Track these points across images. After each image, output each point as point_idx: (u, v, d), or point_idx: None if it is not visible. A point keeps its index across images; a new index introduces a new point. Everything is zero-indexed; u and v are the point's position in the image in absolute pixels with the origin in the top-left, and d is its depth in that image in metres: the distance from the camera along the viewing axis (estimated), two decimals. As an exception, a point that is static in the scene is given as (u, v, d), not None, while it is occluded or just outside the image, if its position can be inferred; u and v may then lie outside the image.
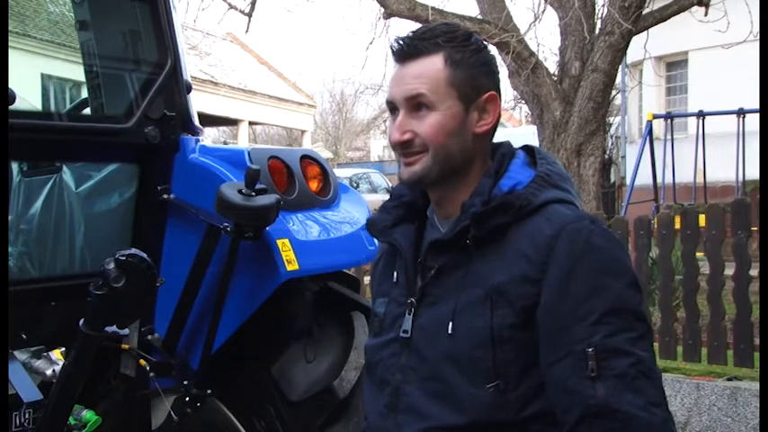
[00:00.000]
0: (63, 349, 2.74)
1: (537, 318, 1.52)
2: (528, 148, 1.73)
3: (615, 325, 1.47)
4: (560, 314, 1.50)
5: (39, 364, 2.73)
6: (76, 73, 3.52)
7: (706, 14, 9.26)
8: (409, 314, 1.66)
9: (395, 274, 1.74)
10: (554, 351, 1.50)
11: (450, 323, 1.57)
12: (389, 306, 1.73)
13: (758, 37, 7.31)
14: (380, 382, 1.70)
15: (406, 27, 10.83)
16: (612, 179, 18.10)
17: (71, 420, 2.58)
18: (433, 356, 1.59)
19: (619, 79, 14.44)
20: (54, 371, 2.67)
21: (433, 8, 9.56)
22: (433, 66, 1.62)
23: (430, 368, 1.60)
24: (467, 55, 1.63)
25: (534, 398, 1.53)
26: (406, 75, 1.63)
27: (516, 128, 27.35)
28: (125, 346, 2.92)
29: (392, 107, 1.66)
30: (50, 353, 2.75)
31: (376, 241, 3.13)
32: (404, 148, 1.63)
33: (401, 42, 1.65)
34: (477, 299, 1.56)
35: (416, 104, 1.62)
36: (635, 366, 1.46)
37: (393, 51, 1.66)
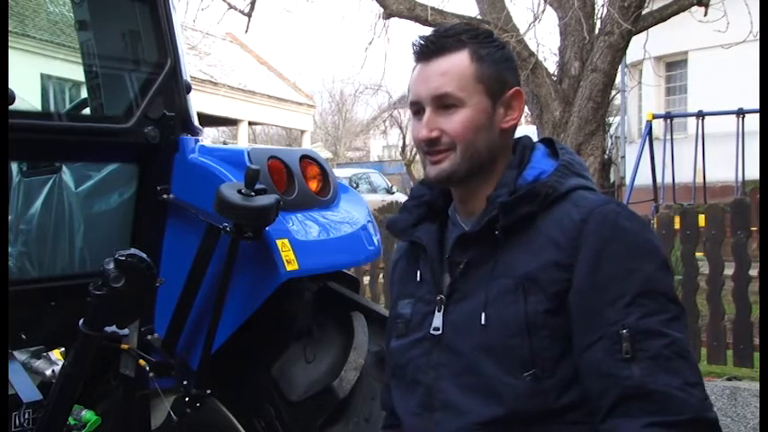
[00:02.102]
0: (63, 349, 2.74)
1: (569, 302, 1.53)
2: (547, 140, 1.75)
3: (648, 306, 1.48)
4: (592, 297, 1.51)
5: (38, 364, 2.73)
6: (76, 73, 3.52)
7: (705, 14, 9.26)
8: (439, 311, 1.65)
9: (418, 273, 1.74)
10: (587, 335, 1.50)
11: (483, 314, 1.57)
12: (416, 306, 1.72)
13: (758, 37, 7.31)
14: (411, 382, 1.69)
15: (405, 27, 10.85)
16: (612, 179, 18.10)
17: (71, 420, 2.58)
18: (468, 350, 1.59)
19: (618, 79, 14.43)
20: (54, 371, 2.67)
21: (432, 8, 9.56)
22: (459, 62, 1.62)
23: (464, 362, 1.59)
24: (492, 51, 1.64)
25: (571, 386, 1.53)
26: (432, 73, 1.62)
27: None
28: (125, 346, 2.92)
29: (418, 108, 1.65)
30: (50, 353, 2.75)
31: (376, 241, 3.14)
32: (430, 146, 1.63)
33: (424, 40, 1.64)
34: (508, 288, 1.56)
35: (444, 103, 1.62)
36: (670, 347, 1.46)
37: (415, 50, 1.65)
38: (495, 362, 1.55)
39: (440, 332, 1.64)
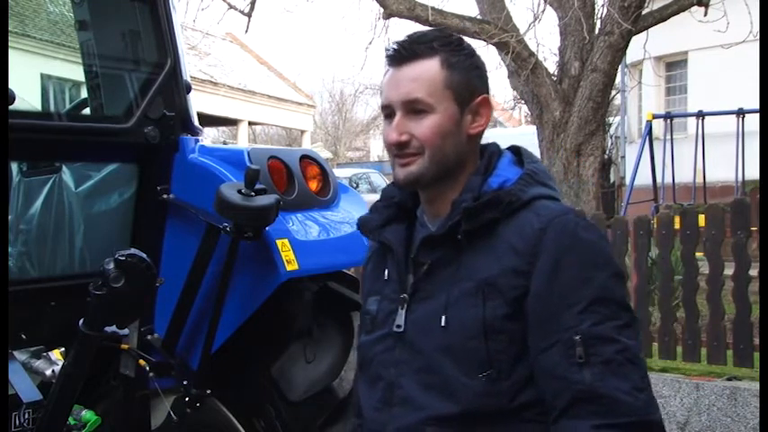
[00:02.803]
0: (63, 349, 2.74)
1: (526, 308, 1.58)
2: (514, 148, 1.79)
3: (601, 314, 1.54)
4: (549, 304, 1.56)
5: (38, 364, 2.73)
6: (76, 73, 3.52)
7: (705, 14, 9.27)
8: (402, 309, 1.71)
9: (386, 272, 1.79)
10: (543, 339, 1.56)
11: (444, 316, 1.63)
12: (382, 303, 1.77)
13: (758, 37, 7.31)
14: (374, 377, 1.74)
15: (405, 27, 10.85)
16: (612, 179, 18.10)
17: (71, 420, 2.58)
18: (428, 349, 1.64)
19: (618, 79, 14.43)
20: (54, 371, 2.68)
21: (432, 8, 9.56)
22: (429, 69, 1.66)
23: (424, 360, 1.65)
24: (462, 59, 1.69)
25: (526, 387, 1.59)
26: (403, 78, 1.67)
27: (516, 128, 27.34)
28: (125, 346, 2.92)
29: (389, 111, 1.69)
30: (50, 353, 2.75)
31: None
32: (399, 150, 1.68)
33: (396, 46, 1.69)
34: (469, 291, 1.62)
35: (413, 108, 1.66)
36: (621, 353, 1.52)
37: (388, 55, 1.70)
38: (453, 362, 1.61)
39: (402, 330, 1.69)
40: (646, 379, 1.55)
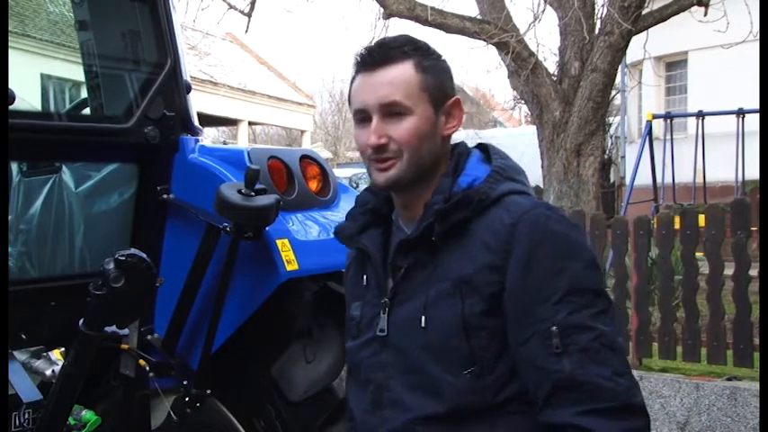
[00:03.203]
0: (63, 349, 2.74)
1: (503, 303, 1.61)
2: (482, 146, 1.82)
3: (576, 303, 1.57)
4: (525, 297, 1.59)
5: (38, 364, 2.73)
6: (76, 73, 3.52)
7: (705, 14, 9.26)
8: (384, 313, 1.74)
9: (365, 277, 1.82)
10: (522, 332, 1.59)
11: (423, 317, 1.66)
12: (364, 308, 1.80)
13: (758, 37, 7.32)
14: (363, 381, 1.77)
15: (405, 27, 10.85)
16: (612, 179, 18.09)
17: (71, 420, 2.58)
18: (411, 350, 1.67)
19: (618, 79, 14.42)
20: (54, 371, 2.68)
21: (432, 8, 9.55)
22: (404, 72, 1.69)
23: (409, 362, 1.68)
24: (433, 62, 1.73)
25: (510, 380, 1.62)
26: (378, 82, 1.69)
27: (516, 128, 27.35)
28: (125, 346, 2.92)
29: (363, 116, 1.71)
30: (50, 353, 2.75)
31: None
32: (378, 153, 1.70)
33: (368, 51, 1.72)
34: (447, 291, 1.64)
35: (391, 110, 1.68)
36: (598, 340, 1.55)
37: (359, 61, 1.72)
38: (437, 361, 1.64)
39: (385, 333, 1.72)
40: (625, 363, 1.58)
